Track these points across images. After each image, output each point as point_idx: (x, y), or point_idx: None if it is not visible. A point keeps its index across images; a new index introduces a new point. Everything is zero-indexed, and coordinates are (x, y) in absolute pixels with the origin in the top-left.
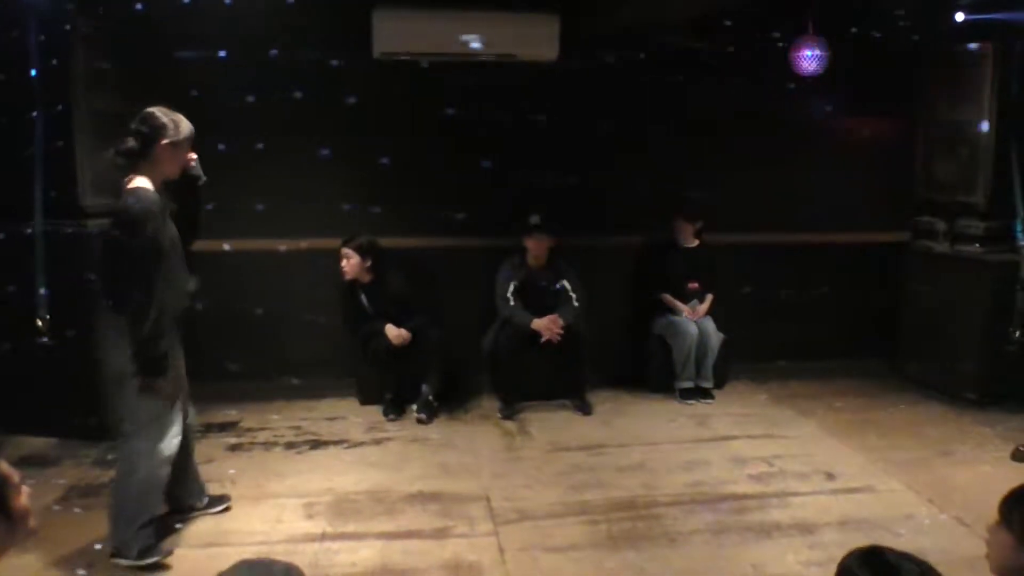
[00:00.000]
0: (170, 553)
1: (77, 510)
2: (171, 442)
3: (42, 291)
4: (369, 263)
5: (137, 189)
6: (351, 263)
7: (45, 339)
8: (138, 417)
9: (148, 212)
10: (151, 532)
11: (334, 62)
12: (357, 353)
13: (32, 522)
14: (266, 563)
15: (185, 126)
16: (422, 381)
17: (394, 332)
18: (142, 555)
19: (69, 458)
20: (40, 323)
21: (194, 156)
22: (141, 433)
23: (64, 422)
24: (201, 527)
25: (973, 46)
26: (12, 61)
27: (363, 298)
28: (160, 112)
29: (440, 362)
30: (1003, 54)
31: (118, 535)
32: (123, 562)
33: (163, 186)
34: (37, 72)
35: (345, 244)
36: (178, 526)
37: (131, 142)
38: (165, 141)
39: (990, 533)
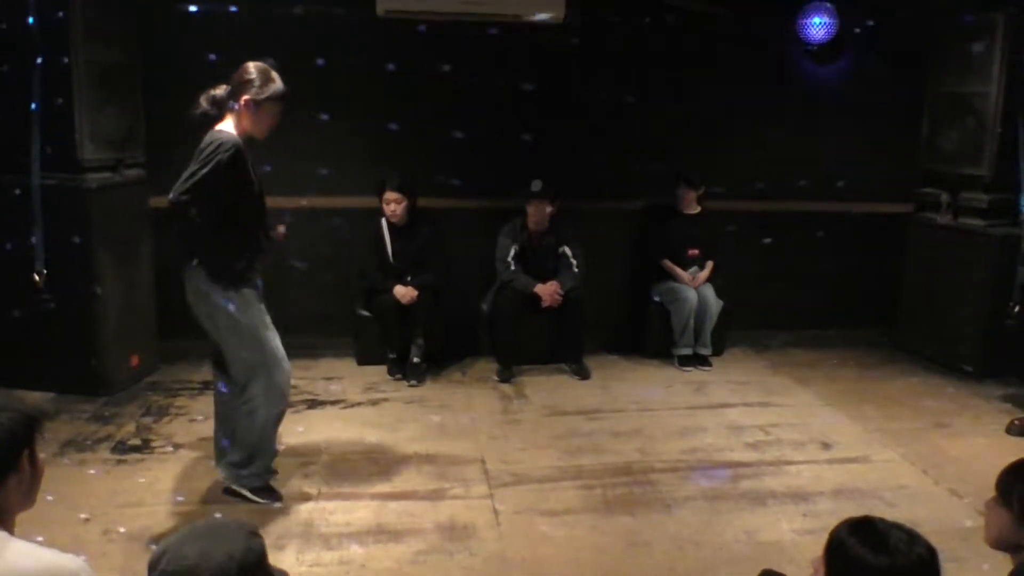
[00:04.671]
0: (280, 497)
1: (66, 461)
2: (281, 383)
3: (40, 246)
4: (409, 205)
5: (215, 130)
6: (402, 207)
7: (43, 293)
8: (246, 367)
9: (224, 142)
10: (268, 475)
11: (337, 18)
12: (358, 303)
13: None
14: (223, 524)
15: (272, 87)
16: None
17: (402, 291)
18: (256, 493)
19: (66, 412)
20: (38, 278)
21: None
22: (252, 380)
23: (61, 377)
24: (198, 484)
25: (983, 16)
26: (10, 12)
27: (388, 245)
28: (253, 67)
29: (428, 325)
30: (1013, 25)
31: (234, 472)
32: (244, 492)
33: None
34: (36, 23)
35: (392, 188)
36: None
37: (219, 91)
38: (247, 97)
39: (988, 508)
